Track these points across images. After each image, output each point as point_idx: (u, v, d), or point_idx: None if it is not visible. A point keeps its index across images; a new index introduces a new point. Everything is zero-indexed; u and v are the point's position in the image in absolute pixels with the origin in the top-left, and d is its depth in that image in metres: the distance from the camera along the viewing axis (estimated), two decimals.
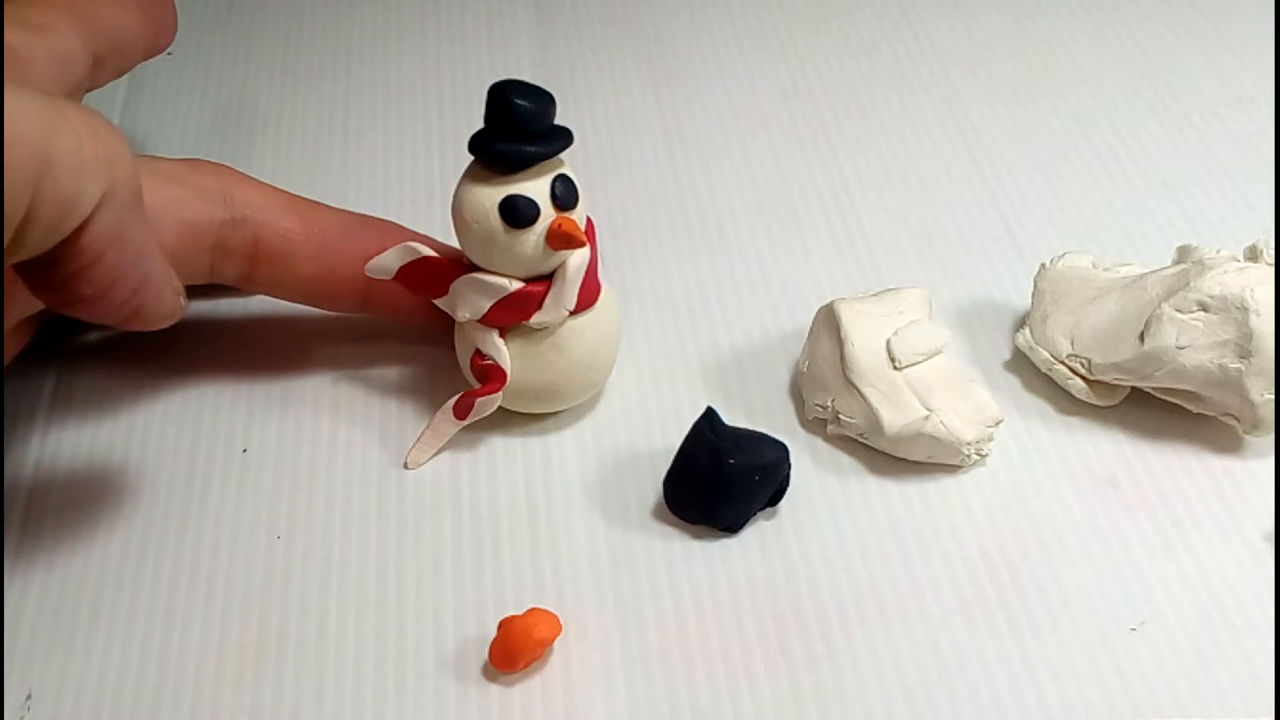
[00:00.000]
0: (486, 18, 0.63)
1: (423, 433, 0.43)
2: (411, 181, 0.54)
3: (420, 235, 0.44)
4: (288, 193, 0.43)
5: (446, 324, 0.42)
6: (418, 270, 0.40)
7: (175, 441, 0.44)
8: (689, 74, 0.59)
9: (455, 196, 0.39)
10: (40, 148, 0.26)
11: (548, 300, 0.39)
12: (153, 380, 0.46)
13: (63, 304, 0.30)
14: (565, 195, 0.38)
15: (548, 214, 0.38)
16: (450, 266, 0.40)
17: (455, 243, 0.40)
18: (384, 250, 0.41)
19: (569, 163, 0.40)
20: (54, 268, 0.29)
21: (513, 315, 0.40)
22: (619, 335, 0.43)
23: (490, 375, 0.40)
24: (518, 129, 0.37)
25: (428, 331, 0.45)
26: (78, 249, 0.28)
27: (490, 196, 0.38)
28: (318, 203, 0.43)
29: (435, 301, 0.41)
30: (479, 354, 0.40)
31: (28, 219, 0.26)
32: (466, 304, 0.40)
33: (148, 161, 0.40)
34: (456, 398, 0.41)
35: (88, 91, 0.44)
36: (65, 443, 0.44)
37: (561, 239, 0.38)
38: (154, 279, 0.31)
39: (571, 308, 0.40)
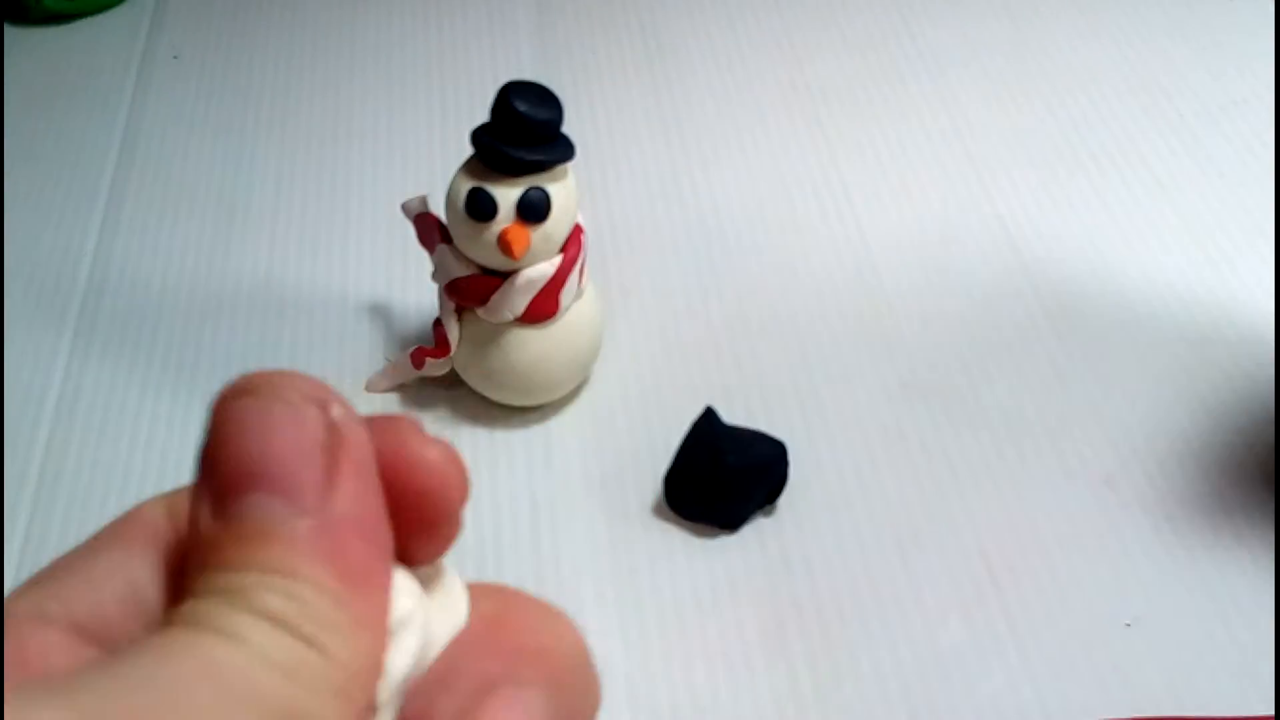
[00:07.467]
0: (487, 20, 0.63)
1: (386, 367, 0.45)
2: (414, 183, 0.54)
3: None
4: None
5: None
6: (425, 221, 0.43)
7: (180, 442, 0.44)
8: (689, 74, 0.60)
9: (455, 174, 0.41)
10: None
11: (494, 299, 0.41)
12: (158, 381, 0.46)
13: None
14: (529, 208, 0.39)
15: (506, 217, 0.39)
16: (443, 231, 0.42)
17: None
18: None
19: (573, 177, 0.40)
20: None
21: (466, 298, 0.41)
22: (577, 359, 0.43)
23: (439, 342, 0.43)
24: (513, 131, 0.38)
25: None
26: None
27: (467, 184, 0.39)
28: None
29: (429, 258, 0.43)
30: (439, 320, 0.43)
31: None
32: (438, 270, 0.42)
33: None
34: (415, 348, 0.44)
35: None
36: (70, 443, 0.44)
37: (502, 245, 0.39)
38: None
39: (517, 315, 0.41)
